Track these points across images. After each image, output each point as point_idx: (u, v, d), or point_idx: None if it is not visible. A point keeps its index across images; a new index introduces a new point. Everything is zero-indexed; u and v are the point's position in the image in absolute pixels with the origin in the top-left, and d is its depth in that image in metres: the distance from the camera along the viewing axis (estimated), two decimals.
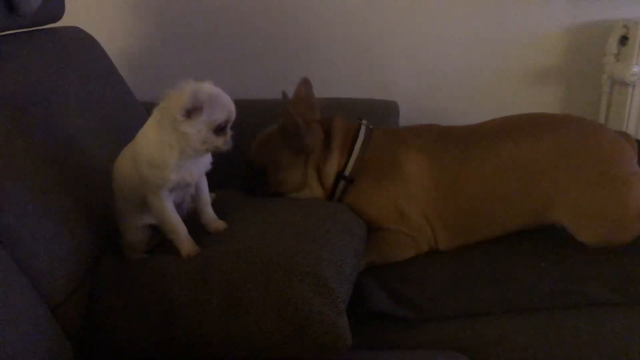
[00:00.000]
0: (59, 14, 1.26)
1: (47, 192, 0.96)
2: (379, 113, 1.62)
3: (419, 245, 1.18)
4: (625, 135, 1.22)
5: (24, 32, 1.18)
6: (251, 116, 1.58)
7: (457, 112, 1.86)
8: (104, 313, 0.93)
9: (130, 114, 1.39)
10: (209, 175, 1.04)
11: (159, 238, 1.04)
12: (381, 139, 1.23)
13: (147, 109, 1.47)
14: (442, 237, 1.18)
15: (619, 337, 0.95)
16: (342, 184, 1.22)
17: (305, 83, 1.31)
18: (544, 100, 1.93)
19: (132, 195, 0.99)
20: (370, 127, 1.27)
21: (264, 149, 1.24)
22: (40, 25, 1.23)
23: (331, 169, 1.22)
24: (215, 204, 1.07)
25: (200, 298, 0.85)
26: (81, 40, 1.34)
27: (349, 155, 1.21)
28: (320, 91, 1.77)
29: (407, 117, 1.66)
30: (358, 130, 1.24)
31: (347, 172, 1.21)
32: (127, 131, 1.31)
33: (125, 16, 1.71)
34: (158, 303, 0.88)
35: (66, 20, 1.29)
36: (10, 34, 1.14)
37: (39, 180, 0.95)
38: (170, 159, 0.92)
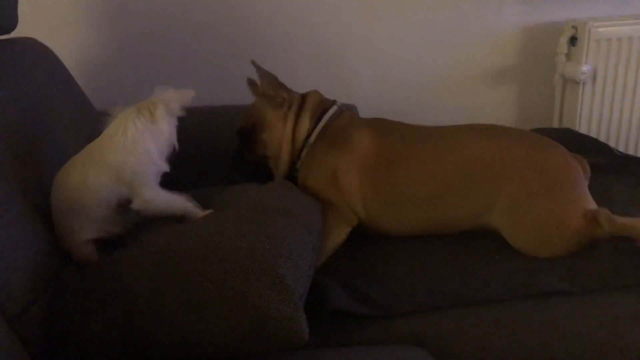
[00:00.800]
0: (11, 24, 1.25)
1: (3, 202, 0.95)
2: None
3: (347, 219, 1.23)
4: (580, 159, 1.24)
5: None
6: (209, 122, 1.60)
7: (416, 113, 1.89)
8: (66, 319, 0.92)
9: (90, 123, 1.39)
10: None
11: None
12: (344, 120, 1.34)
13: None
14: (374, 213, 1.24)
15: (570, 325, 0.99)
16: (305, 150, 1.32)
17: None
18: (500, 99, 1.99)
19: (95, 207, 0.99)
20: (343, 109, 1.37)
21: (249, 113, 1.38)
22: None
23: (301, 132, 1.33)
24: None
25: (158, 298, 0.86)
26: (37, 50, 1.32)
27: (316, 125, 1.32)
28: None
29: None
30: (330, 107, 1.35)
31: (311, 140, 1.31)
32: (87, 141, 1.31)
33: (81, 25, 1.69)
34: (118, 303, 0.88)
35: (20, 32, 1.28)
36: None
37: None
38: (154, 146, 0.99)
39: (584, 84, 1.87)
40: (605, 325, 0.97)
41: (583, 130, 1.91)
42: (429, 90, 1.92)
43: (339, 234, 1.20)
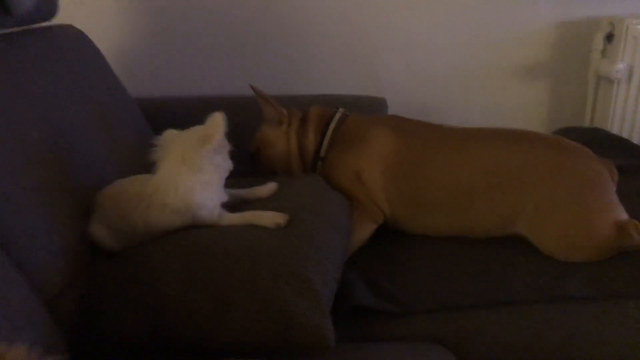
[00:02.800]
0: (52, 12, 1.28)
1: (40, 189, 0.98)
2: (368, 109, 1.65)
3: (374, 216, 1.24)
4: (608, 164, 1.21)
5: (17, 31, 1.19)
6: (243, 112, 1.61)
7: (445, 108, 1.90)
8: (98, 307, 0.95)
9: (124, 111, 1.42)
10: None
11: None
12: (355, 121, 1.35)
13: (140, 105, 1.50)
14: (398, 214, 1.24)
15: (593, 330, 0.99)
16: (319, 164, 1.33)
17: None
18: (532, 96, 1.96)
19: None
20: (347, 113, 1.38)
21: (256, 136, 1.42)
22: (34, 24, 1.25)
23: (308, 147, 1.35)
24: None
25: (189, 294, 0.88)
26: (74, 38, 1.35)
27: (323, 137, 1.33)
28: (310, 88, 1.81)
29: (396, 113, 1.69)
30: (333, 115, 1.36)
31: (322, 152, 1.32)
32: (120, 128, 1.34)
33: (118, 13, 1.72)
34: (148, 297, 0.90)
35: (59, 18, 1.31)
36: (3, 33, 1.15)
37: (31, 177, 0.97)
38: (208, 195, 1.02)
39: (618, 82, 1.83)
40: (627, 332, 0.97)
41: (615, 130, 1.88)
42: (460, 84, 1.91)
43: (364, 231, 1.21)
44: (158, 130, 1.47)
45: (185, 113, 1.64)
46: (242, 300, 0.85)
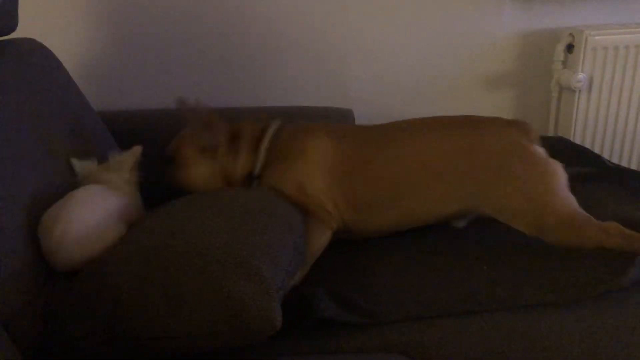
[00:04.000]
0: (12, 26, 1.26)
1: (1, 206, 0.97)
2: (334, 120, 1.66)
3: (327, 223, 1.22)
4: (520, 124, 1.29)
5: None
6: None
7: (411, 117, 1.91)
8: (57, 318, 0.96)
9: (89, 124, 1.40)
10: None
11: None
12: (289, 133, 1.30)
13: (104, 118, 1.49)
14: (348, 216, 1.24)
15: (552, 338, 1.00)
16: (255, 182, 1.28)
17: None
18: (496, 105, 2.00)
19: None
20: (282, 125, 1.33)
21: (174, 142, 1.34)
22: None
23: (240, 170, 1.28)
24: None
25: (142, 295, 0.89)
26: (36, 51, 1.33)
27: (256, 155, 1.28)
28: (277, 99, 1.82)
29: (362, 123, 1.70)
30: (266, 129, 1.30)
31: (256, 172, 1.28)
32: (86, 142, 1.33)
33: (80, 25, 1.70)
34: (104, 300, 0.91)
35: (19, 32, 1.29)
36: None
37: None
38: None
39: (579, 92, 1.88)
40: (585, 338, 0.99)
41: (578, 138, 1.93)
42: (426, 94, 1.93)
43: (320, 238, 1.20)
44: (122, 143, 1.47)
45: (150, 126, 1.64)
46: (193, 293, 0.87)
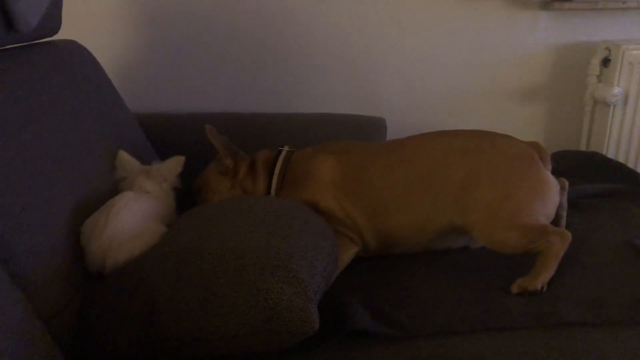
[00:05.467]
0: (55, 28, 1.29)
1: (41, 207, 0.98)
2: (366, 129, 1.66)
3: (351, 240, 1.25)
4: (534, 144, 1.28)
5: (21, 47, 1.20)
6: (243, 130, 1.62)
7: (442, 129, 1.90)
8: (93, 321, 0.97)
9: (124, 126, 1.42)
10: None
11: None
12: (298, 157, 1.36)
13: (141, 121, 1.51)
14: (365, 229, 1.26)
15: (590, 357, 0.99)
16: None
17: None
18: (528, 118, 1.99)
19: None
20: (292, 150, 1.39)
21: (200, 174, 1.42)
22: (38, 39, 1.25)
23: (260, 191, 1.35)
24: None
25: (178, 295, 0.89)
26: (77, 53, 1.36)
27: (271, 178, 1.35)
28: (310, 106, 1.82)
29: (394, 133, 1.70)
30: (277, 156, 1.37)
31: (272, 193, 1.33)
32: (121, 144, 1.34)
33: (118, 28, 1.73)
34: (140, 302, 0.92)
35: (62, 34, 1.32)
36: (7, 49, 1.16)
37: (33, 195, 0.97)
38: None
39: (614, 106, 1.86)
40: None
41: (611, 154, 1.90)
42: (457, 106, 1.93)
43: (345, 252, 1.21)
44: (158, 146, 1.49)
45: (186, 129, 1.66)
46: (228, 295, 0.87)
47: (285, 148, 1.39)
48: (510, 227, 1.16)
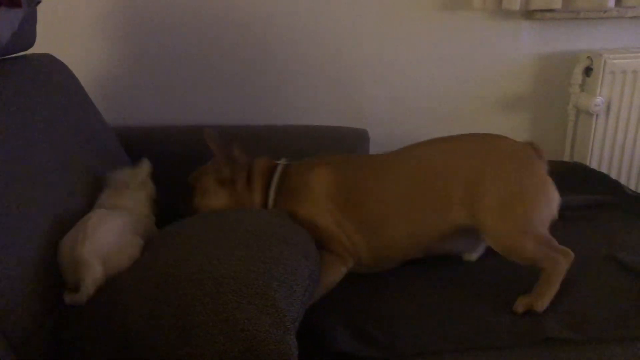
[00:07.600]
0: (29, 42, 1.26)
1: (11, 231, 0.95)
2: (349, 141, 1.65)
3: (343, 259, 1.22)
4: (532, 144, 1.29)
5: None
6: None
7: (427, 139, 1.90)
8: (69, 345, 0.94)
9: (103, 140, 1.40)
10: None
11: None
12: (295, 171, 1.34)
13: (119, 134, 1.48)
14: (360, 244, 1.24)
15: None
16: None
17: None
18: (512, 128, 1.97)
19: None
20: (289, 163, 1.37)
21: (197, 173, 1.37)
22: (12, 54, 1.22)
23: (255, 204, 1.31)
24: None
25: (153, 322, 0.87)
26: (52, 67, 1.33)
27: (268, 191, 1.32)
28: (292, 118, 1.81)
29: (378, 144, 1.70)
30: (275, 168, 1.34)
31: (269, 206, 1.31)
32: (101, 159, 1.32)
33: (96, 42, 1.70)
34: (115, 329, 0.90)
35: (37, 47, 1.29)
36: None
37: (3, 218, 0.94)
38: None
39: (597, 116, 1.86)
40: None
41: (594, 163, 1.90)
42: (442, 115, 1.92)
43: (335, 273, 1.19)
44: (137, 159, 1.46)
45: (166, 142, 1.64)
46: (205, 324, 0.84)
47: (282, 161, 1.37)
48: (524, 232, 1.15)
